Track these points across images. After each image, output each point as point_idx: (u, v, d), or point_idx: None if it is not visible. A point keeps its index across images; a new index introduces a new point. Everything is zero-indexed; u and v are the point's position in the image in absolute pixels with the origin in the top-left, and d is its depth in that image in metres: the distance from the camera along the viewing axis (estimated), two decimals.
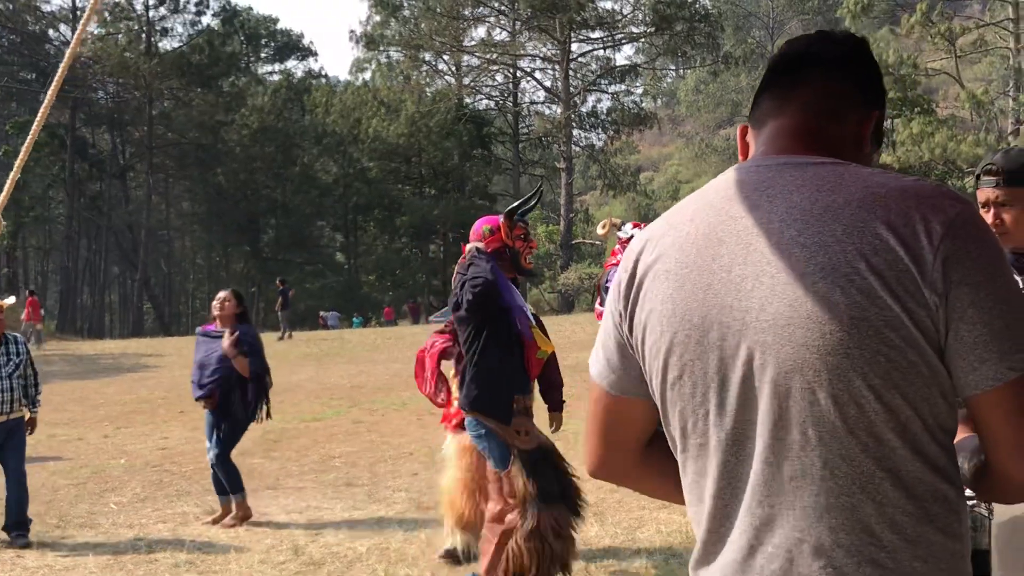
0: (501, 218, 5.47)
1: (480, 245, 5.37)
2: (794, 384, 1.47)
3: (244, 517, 8.05)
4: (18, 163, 2.76)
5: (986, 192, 3.39)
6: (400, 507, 8.42)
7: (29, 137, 2.75)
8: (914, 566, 1.46)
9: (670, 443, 1.70)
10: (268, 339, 8.40)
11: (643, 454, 1.81)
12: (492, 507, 5.33)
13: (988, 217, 3.42)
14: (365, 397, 16.64)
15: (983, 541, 2.29)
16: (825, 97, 1.66)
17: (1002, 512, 2.26)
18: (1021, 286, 3.45)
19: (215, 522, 8.03)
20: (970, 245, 1.44)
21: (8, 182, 2.81)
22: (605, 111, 60.09)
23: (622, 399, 1.76)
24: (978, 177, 3.45)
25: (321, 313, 49.10)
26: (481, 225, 5.52)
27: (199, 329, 8.56)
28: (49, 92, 2.65)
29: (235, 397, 7.95)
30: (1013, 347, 1.43)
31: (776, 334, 1.48)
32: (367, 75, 67.51)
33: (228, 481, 8.10)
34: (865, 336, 1.42)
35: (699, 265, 1.59)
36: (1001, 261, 1.47)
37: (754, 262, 1.53)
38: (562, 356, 6.79)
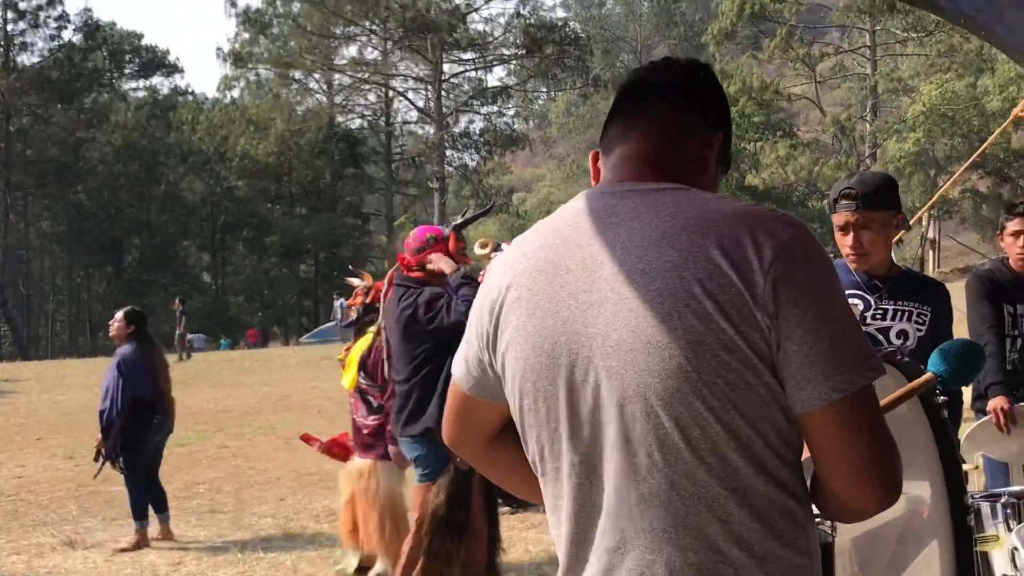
0: (447, 230, 5.41)
1: (445, 265, 5.20)
2: (638, 408, 1.49)
3: (137, 546, 7.80)
4: None
5: (844, 216, 3.45)
6: (266, 533, 8.24)
7: None
8: None
9: (532, 466, 1.71)
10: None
11: (490, 446, 1.84)
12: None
13: (847, 240, 3.48)
14: (231, 421, 16.28)
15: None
16: (666, 123, 1.69)
17: (846, 529, 2.29)
18: (872, 306, 3.55)
19: (123, 550, 7.75)
20: (799, 268, 1.47)
21: None
22: (478, 132, 60.41)
23: (474, 400, 1.79)
24: (835, 201, 3.51)
25: (188, 336, 47.97)
26: (425, 233, 5.42)
27: None
28: None
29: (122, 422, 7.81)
30: (838, 368, 1.46)
31: (620, 359, 1.51)
32: (235, 93, 66.36)
33: (135, 503, 7.90)
34: (703, 360, 1.45)
35: (548, 293, 1.61)
36: (830, 283, 1.51)
37: (598, 289, 1.56)
38: None
